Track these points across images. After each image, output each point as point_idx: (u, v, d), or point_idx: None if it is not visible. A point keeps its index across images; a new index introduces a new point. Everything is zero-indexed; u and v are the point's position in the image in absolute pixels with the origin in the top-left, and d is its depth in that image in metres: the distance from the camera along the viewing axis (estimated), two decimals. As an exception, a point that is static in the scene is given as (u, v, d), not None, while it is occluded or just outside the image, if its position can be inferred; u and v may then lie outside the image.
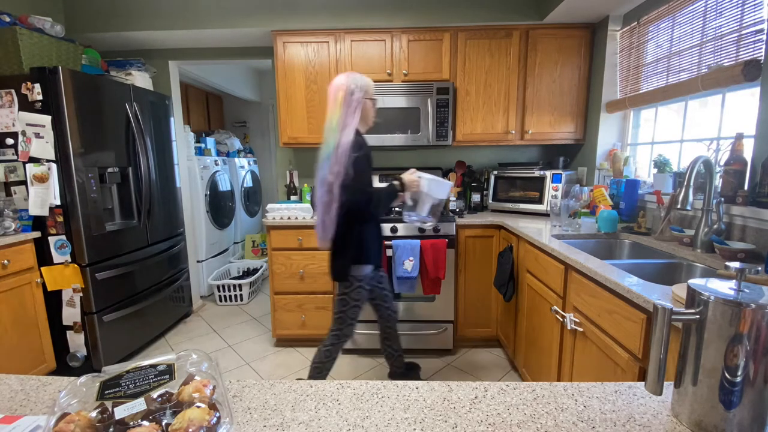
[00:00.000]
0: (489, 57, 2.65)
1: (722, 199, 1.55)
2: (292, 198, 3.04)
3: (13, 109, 2.10)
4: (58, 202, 2.16)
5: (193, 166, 3.56)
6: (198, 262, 3.63)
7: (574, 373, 1.58)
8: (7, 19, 2.17)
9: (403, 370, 2.18)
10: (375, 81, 2.65)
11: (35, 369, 2.16)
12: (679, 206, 1.45)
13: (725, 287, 0.57)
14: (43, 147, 2.11)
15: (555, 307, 1.70)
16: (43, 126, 2.10)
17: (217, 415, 0.55)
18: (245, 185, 4.68)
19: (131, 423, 0.54)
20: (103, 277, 2.35)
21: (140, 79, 2.82)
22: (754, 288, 0.56)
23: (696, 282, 0.60)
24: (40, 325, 2.19)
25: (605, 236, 2.01)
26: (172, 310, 3.04)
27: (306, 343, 2.75)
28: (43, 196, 2.13)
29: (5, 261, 1.98)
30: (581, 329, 1.50)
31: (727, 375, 0.54)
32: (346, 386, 0.69)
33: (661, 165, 2.04)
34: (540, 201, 2.61)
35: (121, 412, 0.55)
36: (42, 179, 2.11)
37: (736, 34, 1.63)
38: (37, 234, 2.17)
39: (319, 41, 2.65)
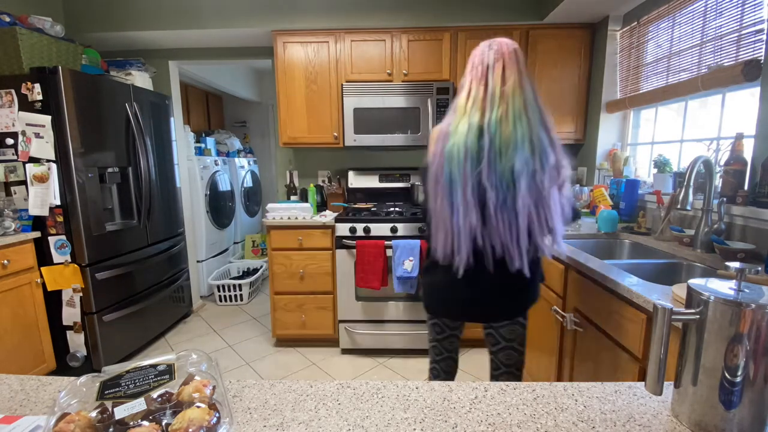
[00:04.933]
0: (489, 57, 2.64)
1: (724, 199, 1.55)
2: (292, 198, 3.04)
3: (13, 109, 2.10)
4: (58, 202, 2.16)
5: (193, 166, 3.56)
6: (198, 262, 3.63)
7: (574, 373, 1.58)
8: (7, 19, 2.17)
9: None
10: (375, 81, 2.67)
11: (35, 369, 2.16)
12: (679, 206, 1.45)
13: (725, 287, 0.57)
14: (43, 147, 2.11)
15: (555, 307, 1.70)
16: (43, 126, 2.10)
17: (217, 415, 0.55)
18: (245, 185, 4.68)
19: (131, 423, 0.54)
20: (103, 277, 2.35)
21: (140, 79, 2.82)
22: (754, 288, 0.56)
23: (696, 282, 0.60)
24: (40, 325, 2.19)
25: (605, 236, 2.01)
26: (172, 310, 3.04)
27: (306, 343, 2.75)
28: (43, 196, 2.13)
29: (5, 261, 1.98)
30: (581, 329, 1.50)
31: (727, 375, 0.54)
32: (346, 386, 0.69)
33: (661, 165, 2.04)
34: (540, 201, 2.60)
35: (121, 412, 0.55)
36: (42, 179, 2.11)
37: (736, 34, 1.63)
38: (37, 234, 2.16)
39: (319, 41, 2.65)
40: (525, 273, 1.18)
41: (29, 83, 2.07)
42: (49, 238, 2.18)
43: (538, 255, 1.24)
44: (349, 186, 3.04)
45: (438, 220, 1.25)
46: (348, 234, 2.47)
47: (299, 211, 2.56)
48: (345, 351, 2.65)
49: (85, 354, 2.33)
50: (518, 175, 1.15)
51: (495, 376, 1.47)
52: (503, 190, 1.17)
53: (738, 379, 0.53)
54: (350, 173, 3.05)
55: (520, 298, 1.32)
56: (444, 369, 1.55)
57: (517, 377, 1.44)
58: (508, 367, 1.43)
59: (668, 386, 0.65)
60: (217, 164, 3.97)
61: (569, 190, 1.24)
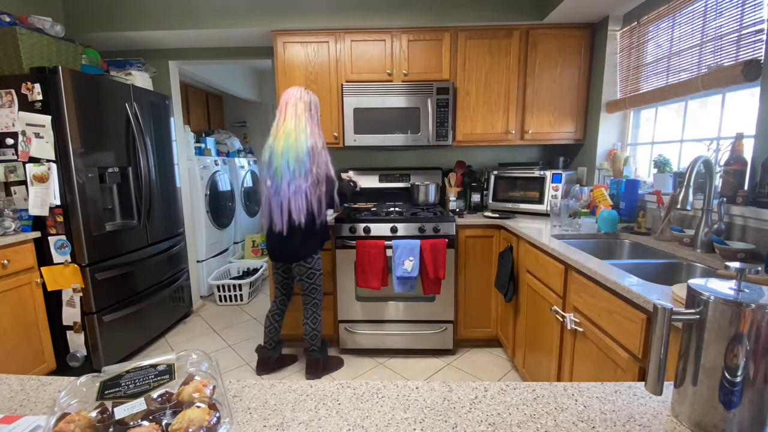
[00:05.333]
0: (489, 57, 2.65)
1: (724, 199, 1.55)
2: (292, 198, 3.04)
3: (13, 109, 2.10)
4: (58, 202, 2.16)
5: (193, 166, 3.56)
6: (198, 262, 3.63)
7: (574, 373, 1.58)
8: (7, 19, 2.17)
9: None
10: (375, 81, 2.67)
11: (35, 369, 2.16)
12: (679, 206, 1.45)
13: (725, 287, 0.57)
14: (43, 147, 2.11)
15: (555, 307, 1.70)
16: (43, 126, 2.10)
17: (217, 415, 0.55)
18: (245, 185, 4.68)
19: (131, 423, 0.54)
20: (103, 277, 2.35)
21: (140, 79, 2.82)
22: (754, 288, 0.56)
23: (696, 282, 0.60)
24: (40, 325, 2.19)
25: (605, 236, 2.01)
26: (172, 310, 3.04)
27: (306, 343, 2.75)
28: (43, 196, 2.13)
29: (5, 261, 1.98)
30: (581, 329, 1.50)
31: (727, 375, 0.54)
32: (346, 386, 0.69)
33: (661, 165, 2.04)
34: (540, 201, 2.61)
35: (121, 412, 0.55)
36: (42, 179, 2.11)
37: (736, 34, 1.63)
38: (37, 234, 2.16)
39: (319, 41, 2.65)
40: (284, 234, 2.05)
41: (29, 83, 2.07)
42: (49, 238, 2.18)
43: (297, 225, 2.03)
44: (349, 186, 3.04)
45: (262, 201, 2.13)
46: (348, 234, 2.47)
47: (299, 211, 2.56)
48: (345, 351, 2.65)
49: (85, 354, 2.33)
50: (283, 174, 1.98)
51: (302, 297, 2.29)
52: (275, 183, 2.01)
53: (738, 379, 0.53)
54: (350, 173, 3.04)
55: (295, 248, 2.12)
56: (280, 291, 2.38)
57: (312, 297, 2.26)
58: (303, 290, 2.25)
59: (668, 386, 0.65)
60: (217, 164, 3.97)
61: (330, 184, 2.10)
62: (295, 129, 2.00)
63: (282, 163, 1.97)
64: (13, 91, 2.09)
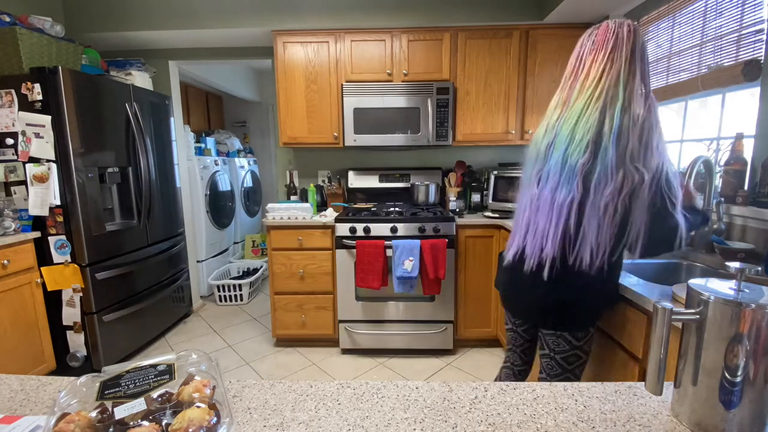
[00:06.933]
0: (489, 57, 2.65)
1: (722, 199, 1.55)
2: (292, 198, 3.04)
3: (13, 109, 2.10)
4: (58, 202, 2.16)
5: (193, 166, 3.56)
6: (198, 262, 3.63)
7: (574, 373, 1.58)
8: (7, 19, 2.17)
9: None
10: (375, 81, 2.67)
11: (35, 369, 2.16)
12: (679, 206, 1.45)
13: (725, 287, 0.57)
14: (43, 147, 2.11)
15: (555, 307, 1.70)
16: (43, 126, 2.10)
17: (217, 415, 0.55)
18: (245, 185, 4.68)
19: (131, 423, 0.54)
20: (103, 277, 2.34)
21: (140, 79, 2.82)
22: (754, 288, 0.56)
23: (696, 282, 0.60)
24: (40, 325, 2.19)
25: (605, 236, 2.01)
26: (172, 310, 3.04)
27: (306, 343, 2.75)
28: (43, 196, 2.13)
29: (5, 261, 1.98)
30: (581, 329, 1.49)
31: (727, 375, 0.54)
32: (346, 386, 0.69)
33: (661, 165, 2.04)
34: (540, 201, 2.60)
35: (121, 412, 0.55)
36: (42, 179, 2.11)
37: (736, 34, 1.63)
38: (37, 234, 2.16)
39: (319, 41, 2.65)
40: (601, 274, 1.07)
41: (29, 83, 2.07)
42: (49, 238, 2.18)
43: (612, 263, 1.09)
44: (349, 186, 3.04)
45: (531, 214, 1.17)
46: (348, 234, 2.47)
47: (299, 211, 2.56)
48: (345, 351, 2.65)
49: (85, 354, 2.32)
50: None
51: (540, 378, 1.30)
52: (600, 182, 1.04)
53: (738, 379, 0.53)
54: (350, 173, 3.05)
55: (563, 300, 1.13)
56: (520, 357, 1.42)
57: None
58: (548, 372, 1.24)
59: (668, 386, 0.65)
60: (217, 164, 3.97)
61: (604, 178, 1.07)
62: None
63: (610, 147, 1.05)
64: (13, 91, 2.09)
